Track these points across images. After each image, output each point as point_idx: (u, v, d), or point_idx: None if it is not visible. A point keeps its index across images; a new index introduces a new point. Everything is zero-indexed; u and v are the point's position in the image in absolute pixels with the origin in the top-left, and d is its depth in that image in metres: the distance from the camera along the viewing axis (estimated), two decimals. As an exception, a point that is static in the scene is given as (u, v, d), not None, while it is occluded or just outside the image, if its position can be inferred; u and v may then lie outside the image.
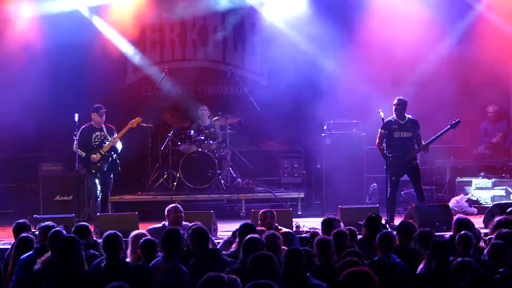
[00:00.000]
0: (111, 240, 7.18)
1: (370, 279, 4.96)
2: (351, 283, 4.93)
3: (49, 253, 7.13)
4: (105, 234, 7.30)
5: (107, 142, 11.99)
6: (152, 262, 6.97)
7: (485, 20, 14.51)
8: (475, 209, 13.08)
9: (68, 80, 14.48)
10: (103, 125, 12.12)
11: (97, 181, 11.97)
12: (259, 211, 9.31)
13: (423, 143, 11.67)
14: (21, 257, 7.53)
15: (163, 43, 15.68)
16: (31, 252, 7.55)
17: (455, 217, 8.62)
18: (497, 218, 8.32)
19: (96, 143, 12.03)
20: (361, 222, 8.69)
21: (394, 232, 7.82)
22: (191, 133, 14.16)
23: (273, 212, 9.08)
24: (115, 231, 7.28)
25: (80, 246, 6.91)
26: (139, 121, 12.41)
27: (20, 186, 14.18)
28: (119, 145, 12.13)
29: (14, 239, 8.44)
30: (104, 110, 12.03)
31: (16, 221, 8.82)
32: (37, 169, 14.09)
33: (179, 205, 9.55)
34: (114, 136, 12.08)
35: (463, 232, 7.36)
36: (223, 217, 12.22)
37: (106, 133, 12.05)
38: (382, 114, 11.65)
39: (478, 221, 10.59)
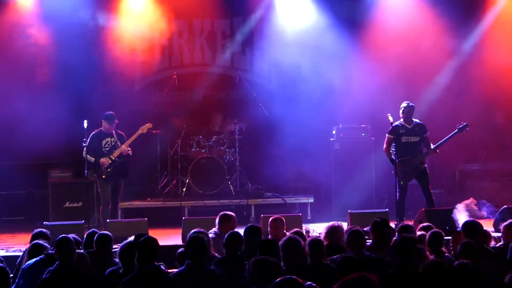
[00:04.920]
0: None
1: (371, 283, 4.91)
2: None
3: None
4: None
5: (118, 148, 11.99)
6: None
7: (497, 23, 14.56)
8: (485, 212, 13.03)
9: (77, 86, 14.50)
10: (114, 132, 12.11)
11: (107, 186, 11.96)
12: (269, 216, 9.33)
13: (432, 147, 11.64)
14: (25, 264, 7.43)
15: (172, 49, 15.70)
16: (38, 258, 7.44)
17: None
18: (508, 221, 8.31)
19: (107, 149, 12.02)
20: (366, 229, 8.61)
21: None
22: (200, 139, 14.17)
23: (283, 219, 9.06)
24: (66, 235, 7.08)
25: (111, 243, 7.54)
26: (149, 127, 12.43)
27: (29, 193, 14.18)
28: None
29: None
30: (115, 117, 12.02)
31: (36, 229, 8.71)
32: (47, 175, 14.12)
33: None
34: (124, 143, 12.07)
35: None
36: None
37: (116, 139, 12.04)
38: (391, 118, 11.62)
39: (488, 224, 10.57)
